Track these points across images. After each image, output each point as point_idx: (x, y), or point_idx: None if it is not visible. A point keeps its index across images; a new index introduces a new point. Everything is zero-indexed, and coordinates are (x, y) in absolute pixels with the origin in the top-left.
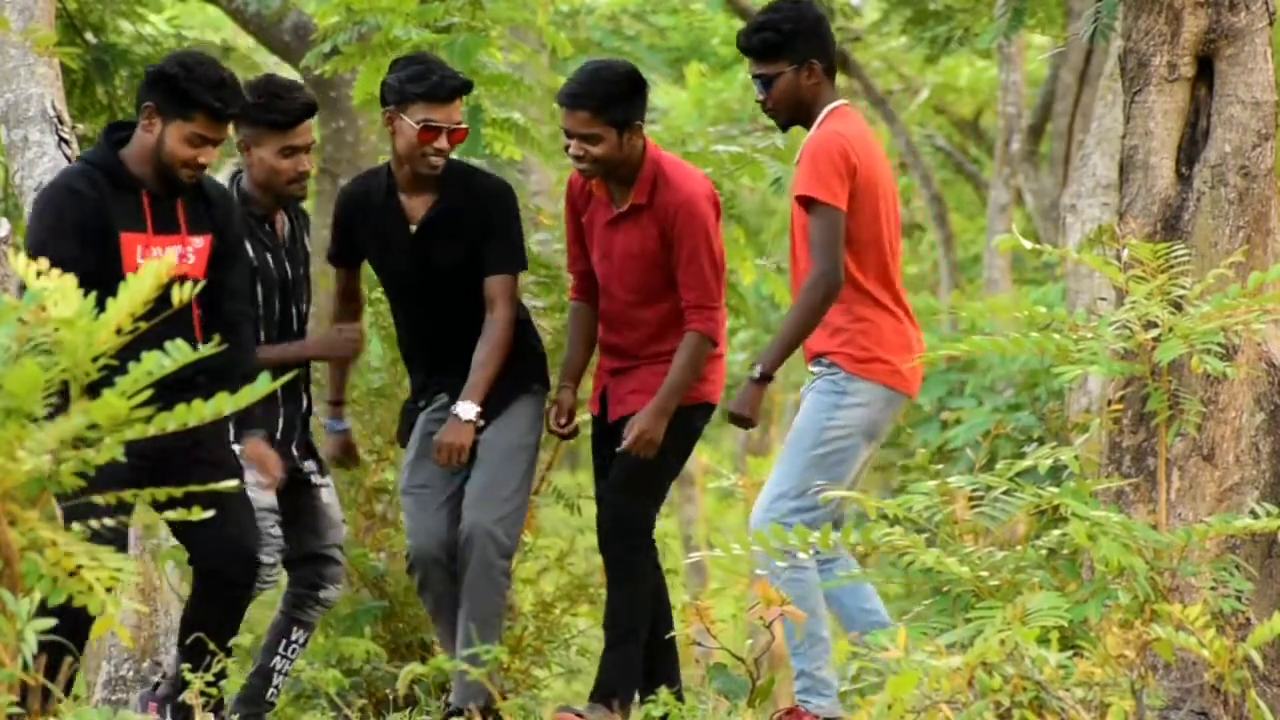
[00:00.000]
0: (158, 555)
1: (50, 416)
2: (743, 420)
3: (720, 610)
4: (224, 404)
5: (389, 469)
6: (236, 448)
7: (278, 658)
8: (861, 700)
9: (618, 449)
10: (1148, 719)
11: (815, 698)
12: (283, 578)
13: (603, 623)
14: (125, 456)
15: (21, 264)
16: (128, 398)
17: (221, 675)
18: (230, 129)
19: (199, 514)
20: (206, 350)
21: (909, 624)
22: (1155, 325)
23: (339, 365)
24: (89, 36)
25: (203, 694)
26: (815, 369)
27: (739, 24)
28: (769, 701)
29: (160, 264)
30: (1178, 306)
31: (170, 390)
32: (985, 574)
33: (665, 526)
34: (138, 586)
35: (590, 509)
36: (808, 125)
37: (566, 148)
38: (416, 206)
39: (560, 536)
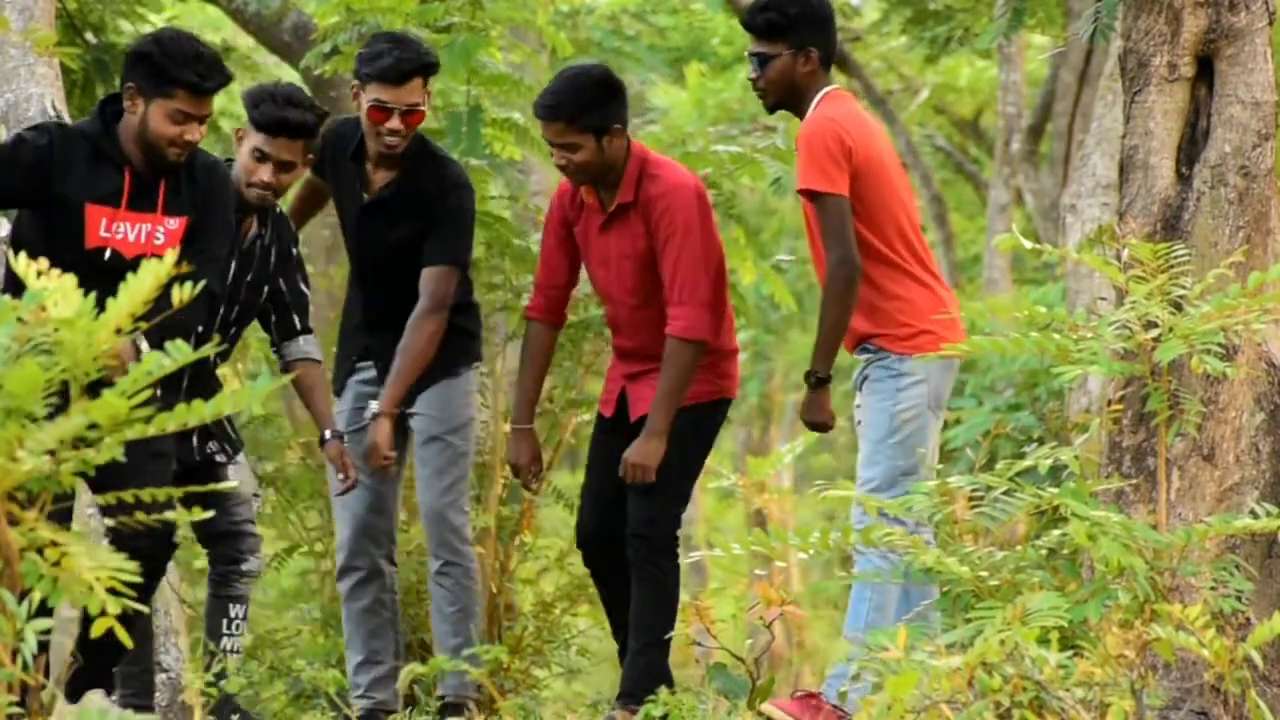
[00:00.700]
0: None
1: (50, 417)
2: (819, 426)
3: (720, 610)
4: (224, 404)
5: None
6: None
7: (225, 638)
8: (862, 700)
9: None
10: (1148, 719)
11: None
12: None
13: (631, 624)
14: None
15: (21, 264)
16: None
17: (221, 675)
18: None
19: (199, 514)
20: (206, 350)
21: (909, 624)
22: (1155, 325)
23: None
24: (89, 36)
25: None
26: (862, 356)
27: (739, 24)
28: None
29: (160, 265)
30: (1178, 306)
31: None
32: (985, 574)
33: None
34: None
35: None
36: (795, 111)
37: (551, 155)
38: (377, 179)
39: (560, 536)
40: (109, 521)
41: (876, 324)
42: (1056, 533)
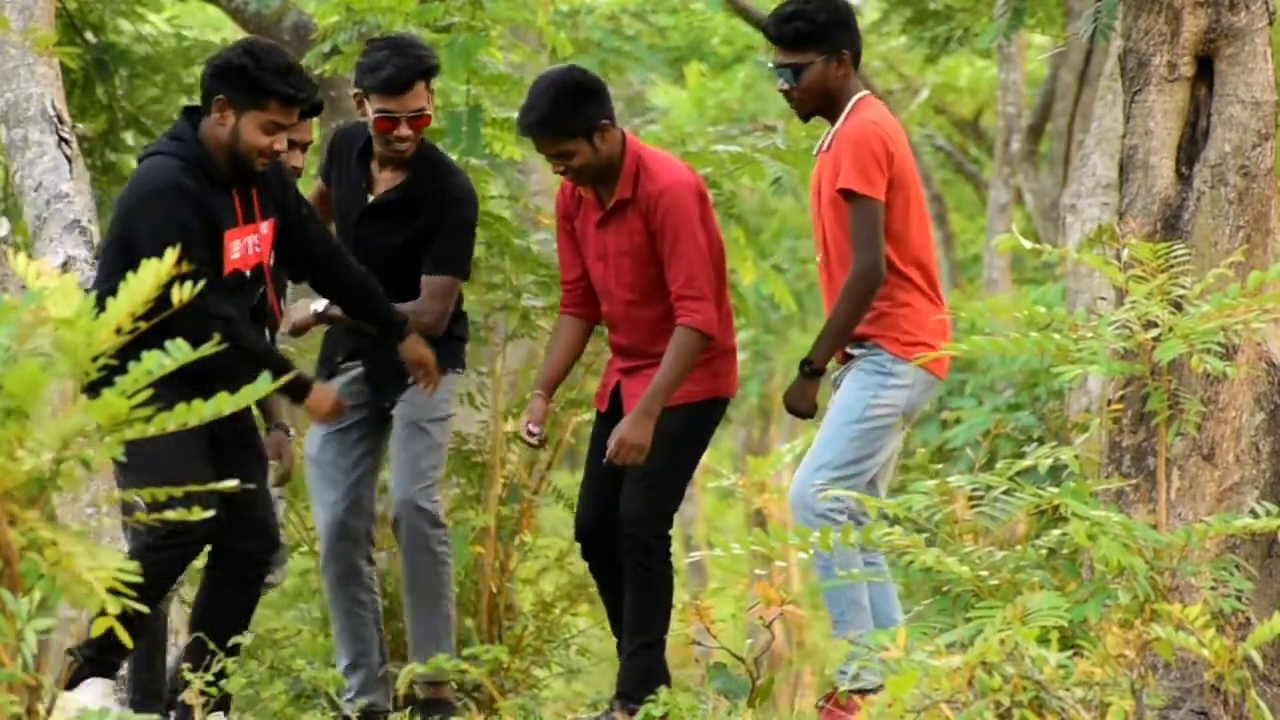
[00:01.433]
0: None
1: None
2: (800, 413)
3: (720, 610)
4: (224, 403)
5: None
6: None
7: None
8: (862, 700)
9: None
10: (1148, 719)
11: (867, 674)
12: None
13: (624, 625)
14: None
15: (21, 264)
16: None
17: (222, 674)
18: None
19: (198, 514)
20: (206, 349)
21: (909, 624)
22: (1155, 325)
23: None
24: (89, 36)
25: (203, 693)
26: (856, 351)
27: (739, 24)
28: (769, 701)
29: (160, 265)
30: (1178, 306)
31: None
32: (985, 574)
33: None
34: None
35: None
36: (829, 117)
37: (550, 165)
38: (382, 180)
39: (560, 536)
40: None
41: (878, 328)
42: (1056, 533)
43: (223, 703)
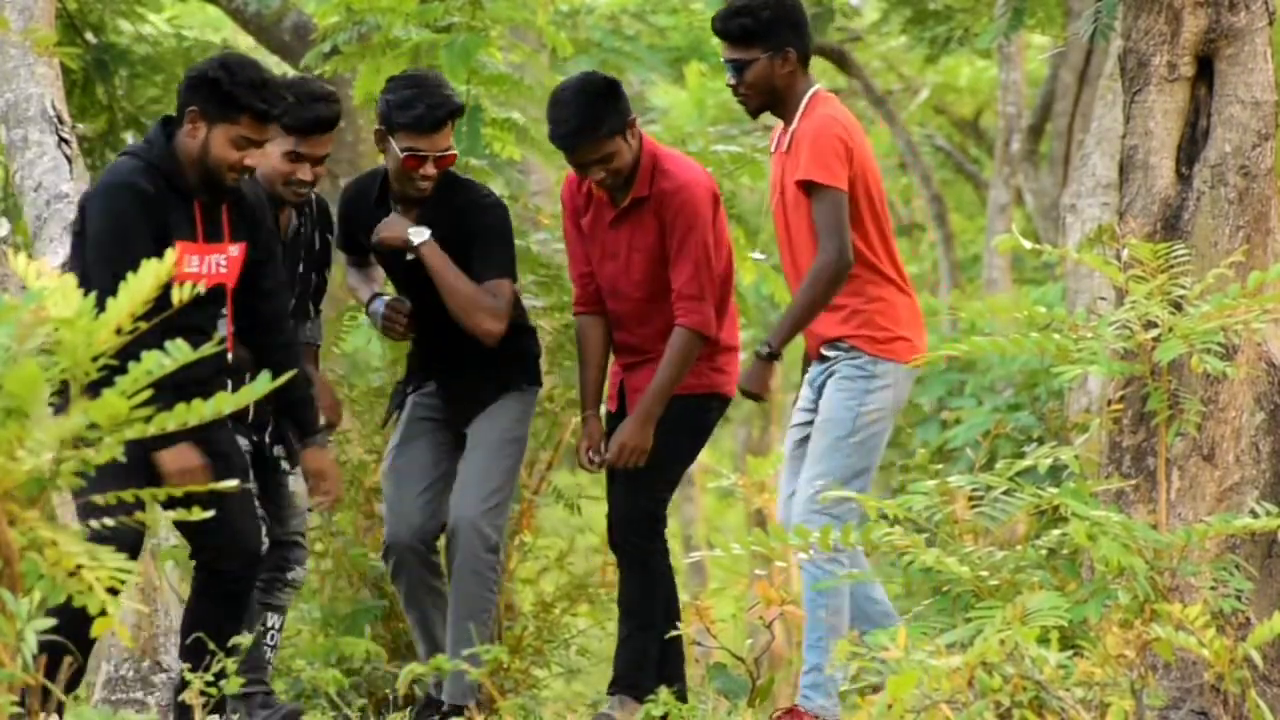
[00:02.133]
0: (158, 555)
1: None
2: (752, 395)
3: (720, 610)
4: (224, 403)
5: None
6: (243, 441)
7: (263, 647)
8: (861, 700)
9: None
10: (1148, 719)
11: (820, 696)
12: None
13: (619, 611)
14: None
15: (21, 264)
16: (128, 397)
17: (221, 675)
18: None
19: (199, 514)
20: (206, 349)
21: (909, 624)
22: (1155, 325)
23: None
24: (89, 36)
25: (203, 694)
26: (831, 353)
27: None
28: (769, 701)
29: (160, 265)
30: (1178, 306)
31: (192, 390)
32: (985, 574)
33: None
34: (137, 586)
35: (590, 508)
36: (779, 114)
37: (583, 176)
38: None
39: (560, 536)
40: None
41: (853, 327)
42: (1056, 533)
43: (220, 705)
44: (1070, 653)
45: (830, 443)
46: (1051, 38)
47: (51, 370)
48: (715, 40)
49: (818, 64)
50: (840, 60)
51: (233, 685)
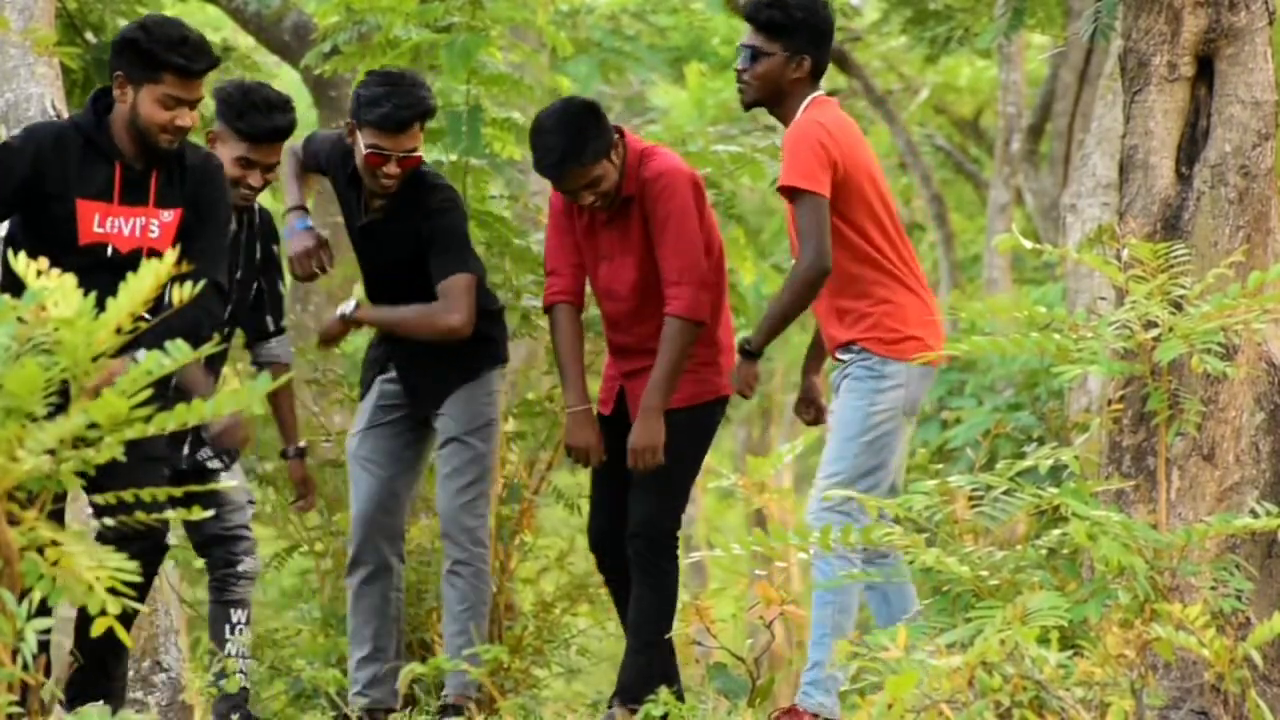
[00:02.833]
0: None
1: (50, 416)
2: (739, 393)
3: (720, 610)
4: (224, 403)
5: None
6: None
7: (229, 643)
8: (861, 700)
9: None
10: (1148, 719)
11: (819, 694)
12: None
13: (629, 623)
14: None
15: (21, 264)
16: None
17: (221, 675)
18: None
19: (199, 513)
20: (207, 349)
21: (909, 624)
22: (1155, 325)
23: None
24: (89, 36)
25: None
26: (844, 356)
27: (739, 24)
28: (769, 701)
29: (160, 264)
30: (1178, 306)
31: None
32: (985, 574)
33: None
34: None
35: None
36: (773, 113)
37: (572, 201)
38: (372, 204)
39: (560, 536)
40: (108, 521)
41: (862, 330)
42: (1056, 533)
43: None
44: (1070, 653)
45: (841, 443)
46: (1051, 38)
47: (51, 370)
48: (717, 39)
49: None
50: (840, 60)
51: (233, 685)
